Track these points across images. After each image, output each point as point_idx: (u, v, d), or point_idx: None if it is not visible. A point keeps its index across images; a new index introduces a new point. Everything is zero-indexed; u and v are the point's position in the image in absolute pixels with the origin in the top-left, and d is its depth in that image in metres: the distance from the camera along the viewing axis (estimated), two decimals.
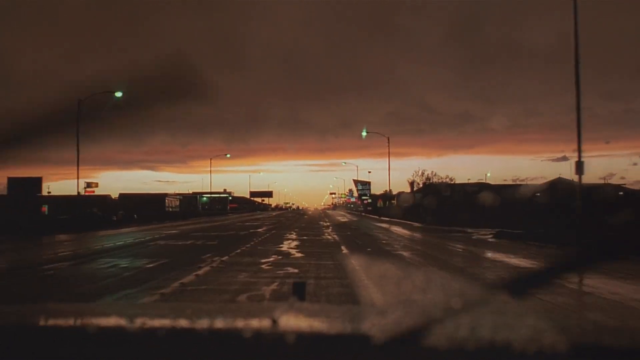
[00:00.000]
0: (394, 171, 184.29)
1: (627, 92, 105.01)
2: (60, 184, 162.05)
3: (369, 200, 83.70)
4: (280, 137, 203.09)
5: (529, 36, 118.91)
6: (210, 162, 60.17)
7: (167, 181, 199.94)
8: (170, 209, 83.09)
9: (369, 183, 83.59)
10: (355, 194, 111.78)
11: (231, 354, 0.96)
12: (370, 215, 54.42)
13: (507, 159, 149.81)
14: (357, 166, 78.89)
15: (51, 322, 1.22)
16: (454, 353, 0.88)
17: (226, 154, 62.28)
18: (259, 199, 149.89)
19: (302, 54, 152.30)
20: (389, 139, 42.49)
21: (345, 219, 43.91)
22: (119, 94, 23.77)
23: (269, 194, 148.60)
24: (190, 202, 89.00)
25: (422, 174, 53.12)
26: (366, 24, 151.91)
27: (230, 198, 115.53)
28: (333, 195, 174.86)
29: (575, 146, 16.00)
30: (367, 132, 42.45)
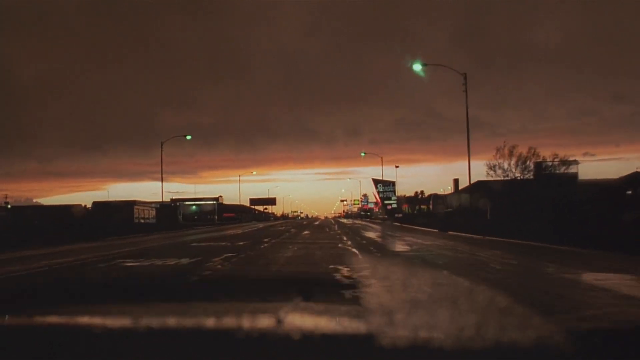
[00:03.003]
0: (400, 178, 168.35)
1: (636, 94, 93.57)
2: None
3: (394, 205, 65.40)
4: (289, 146, 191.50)
5: (538, 40, 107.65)
6: (162, 146, 42.45)
7: (177, 192, 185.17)
8: (142, 220, 66.51)
9: (393, 183, 65.40)
10: (373, 198, 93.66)
11: (237, 352, 0.94)
12: (413, 227, 35.23)
13: None
14: (381, 157, 60.11)
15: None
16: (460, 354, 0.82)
17: (186, 136, 46.13)
18: (260, 207, 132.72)
19: (309, 62, 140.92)
20: (465, 77, 24.59)
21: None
22: None
23: (271, 202, 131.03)
24: (169, 212, 71.73)
25: (510, 152, 31.55)
26: (373, 31, 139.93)
27: (223, 205, 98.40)
28: (344, 203, 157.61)
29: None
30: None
